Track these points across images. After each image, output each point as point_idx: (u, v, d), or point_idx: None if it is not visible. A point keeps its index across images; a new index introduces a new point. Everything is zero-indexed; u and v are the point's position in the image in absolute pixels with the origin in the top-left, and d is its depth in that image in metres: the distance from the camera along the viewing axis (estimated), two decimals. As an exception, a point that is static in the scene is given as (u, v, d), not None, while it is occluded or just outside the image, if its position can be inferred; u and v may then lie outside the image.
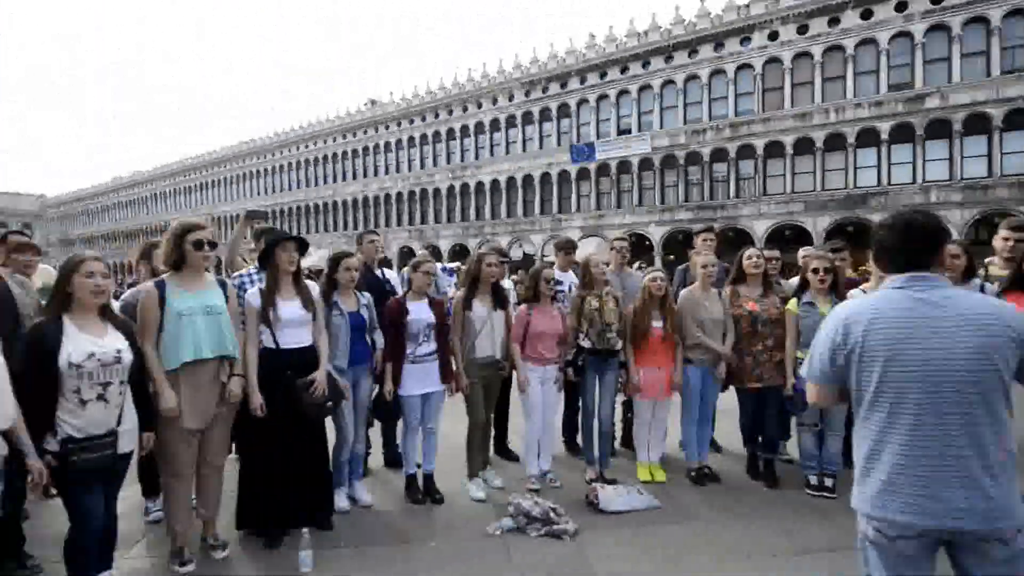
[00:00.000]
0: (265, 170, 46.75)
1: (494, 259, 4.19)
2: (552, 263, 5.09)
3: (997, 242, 3.74)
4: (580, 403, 4.53)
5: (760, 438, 4.40)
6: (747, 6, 25.89)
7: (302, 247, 3.49)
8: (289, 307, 3.36)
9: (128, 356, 2.65)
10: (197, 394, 3.01)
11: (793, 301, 4.12)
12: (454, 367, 4.09)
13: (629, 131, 29.02)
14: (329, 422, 3.71)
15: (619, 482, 4.14)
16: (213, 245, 3.11)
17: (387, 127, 39.10)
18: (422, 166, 37.48)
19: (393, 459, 4.68)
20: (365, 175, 40.38)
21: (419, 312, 3.91)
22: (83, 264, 2.59)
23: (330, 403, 3.43)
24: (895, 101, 22.72)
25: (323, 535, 3.40)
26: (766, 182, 25.64)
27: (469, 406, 4.17)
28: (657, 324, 4.23)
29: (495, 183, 33.88)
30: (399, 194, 38.34)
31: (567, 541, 3.43)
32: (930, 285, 1.71)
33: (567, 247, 5.19)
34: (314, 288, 3.57)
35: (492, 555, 3.32)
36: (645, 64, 28.56)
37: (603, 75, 29.90)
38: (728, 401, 4.63)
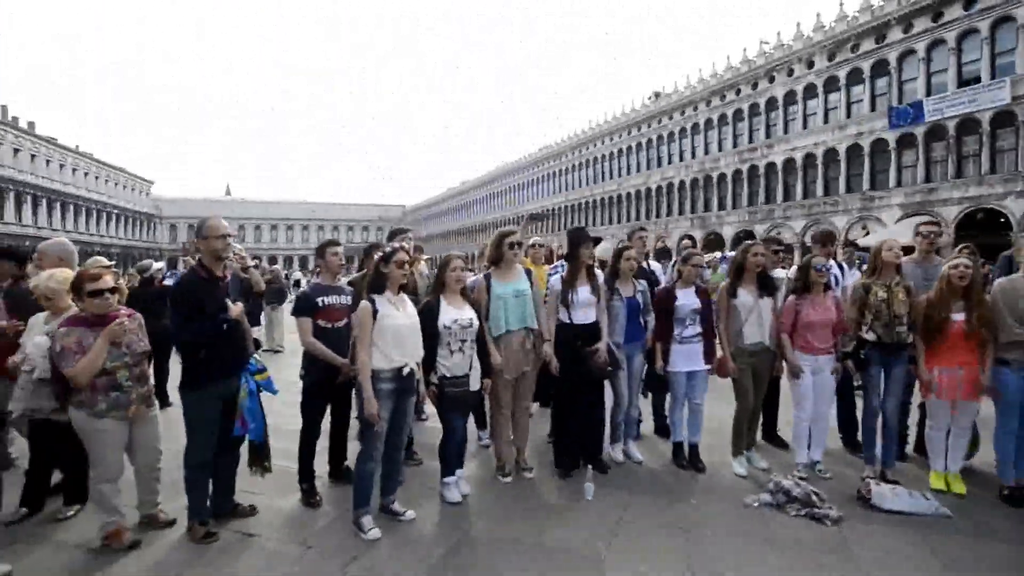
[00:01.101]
0: (559, 171, 51.21)
1: (760, 249, 4.37)
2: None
3: None
4: (863, 398, 4.34)
5: None
6: None
7: (596, 244, 4.38)
8: (582, 291, 4.17)
9: (476, 323, 3.74)
10: (510, 354, 4.03)
11: None
12: (719, 351, 4.38)
13: (976, 80, 22.80)
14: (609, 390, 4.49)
15: (900, 483, 3.86)
16: (520, 244, 4.18)
17: (670, 117, 38.89)
18: (706, 152, 36.19)
19: (662, 428, 5.19)
20: (648, 167, 40.93)
21: (686, 299, 4.37)
22: (451, 261, 3.78)
23: (610, 368, 4.19)
24: None
25: (602, 476, 4.16)
26: None
27: (737, 390, 4.39)
28: (958, 317, 3.80)
29: (789, 162, 30.64)
30: (681, 183, 37.80)
31: (828, 526, 3.41)
32: None
33: (824, 239, 5.13)
34: (599, 276, 4.34)
35: (749, 522, 3.52)
36: (1005, -10, 22.10)
37: (937, 17, 24.13)
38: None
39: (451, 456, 3.85)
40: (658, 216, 39.66)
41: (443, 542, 3.33)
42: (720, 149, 35.23)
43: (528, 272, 4.20)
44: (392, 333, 3.32)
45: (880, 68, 26.54)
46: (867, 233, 24.68)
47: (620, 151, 43.77)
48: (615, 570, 3.03)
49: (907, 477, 4.10)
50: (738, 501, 3.78)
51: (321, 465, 4.07)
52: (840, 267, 5.22)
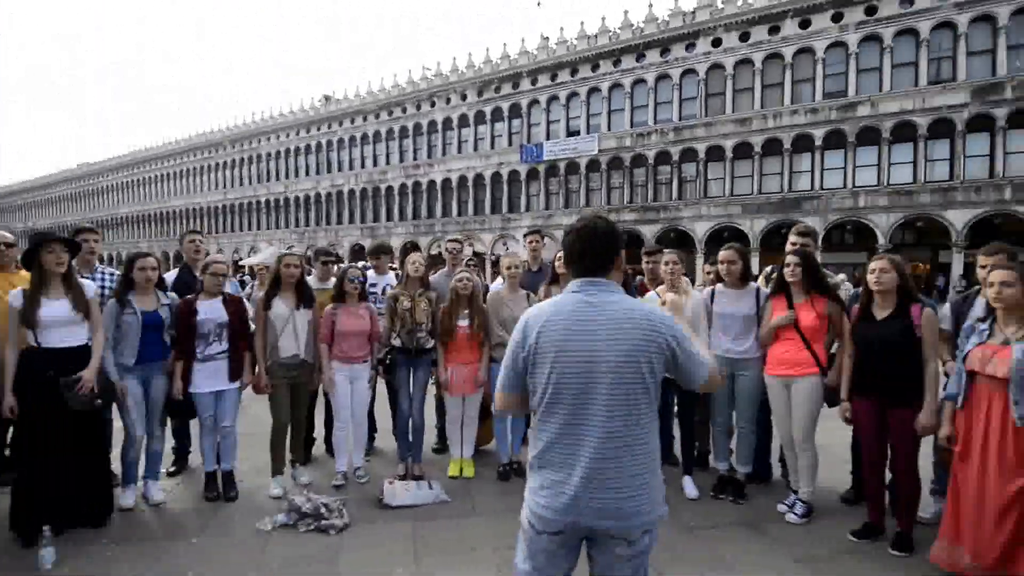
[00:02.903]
0: (217, 164, 45.65)
1: (293, 260, 4.19)
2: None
3: (787, 245, 3.97)
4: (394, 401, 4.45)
5: None
6: (693, 13, 26.28)
7: (72, 248, 3.44)
8: (55, 307, 3.33)
9: None
10: None
11: None
12: (257, 367, 4.11)
13: (578, 133, 29.16)
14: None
15: (424, 478, 4.11)
16: None
17: (340, 124, 38.64)
18: (375, 164, 37.11)
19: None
20: (318, 172, 39.78)
21: (209, 312, 3.92)
22: None
23: (99, 400, 3.45)
24: (829, 108, 23.34)
25: (90, 533, 3.42)
26: (707, 185, 26.05)
27: (272, 407, 4.15)
28: (463, 323, 4.25)
29: (447, 182, 33.70)
30: (351, 191, 37.87)
31: (332, 535, 3.44)
32: (598, 289, 1.74)
33: (378, 251, 5.23)
34: (89, 286, 3.54)
35: (247, 550, 3.29)
36: (594, 67, 28.77)
37: (553, 77, 30.01)
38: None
39: None
40: (328, 223, 38.87)
41: None
42: (388, 162, 36.56)
43: None
44: None
45: (515, 111, 31.49)
46: (507, 249, 28.70)
47: (288, 151, 41.42)
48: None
49: (436, 468, 4.45)
50: (253, 527, 3.52)
51: None
52: (398, 277, 5.27)
